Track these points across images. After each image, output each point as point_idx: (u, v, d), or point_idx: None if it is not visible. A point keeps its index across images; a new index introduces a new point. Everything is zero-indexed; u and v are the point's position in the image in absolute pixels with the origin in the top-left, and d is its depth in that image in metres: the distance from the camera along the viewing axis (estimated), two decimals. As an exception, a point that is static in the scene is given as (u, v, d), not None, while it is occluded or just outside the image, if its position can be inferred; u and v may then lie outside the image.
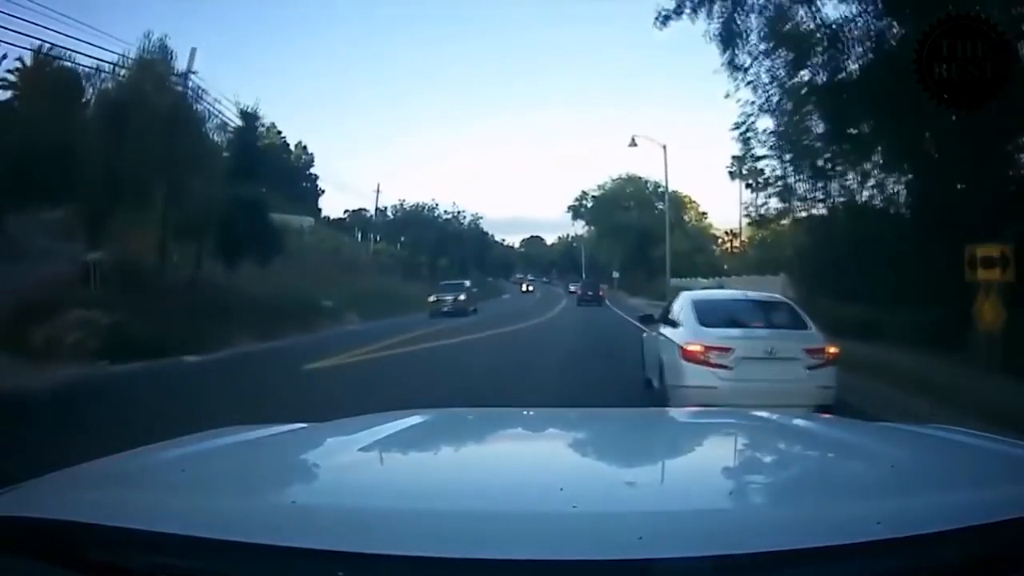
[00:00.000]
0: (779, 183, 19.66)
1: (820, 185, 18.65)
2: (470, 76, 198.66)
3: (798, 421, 2.32)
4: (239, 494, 1.47)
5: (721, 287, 26.23)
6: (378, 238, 68.96)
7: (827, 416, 3.16)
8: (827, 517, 1.23)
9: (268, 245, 23.80)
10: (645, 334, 11.01)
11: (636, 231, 65.01)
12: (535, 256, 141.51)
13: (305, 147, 74.87)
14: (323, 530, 1.15)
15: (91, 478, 1.59)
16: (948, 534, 1.13)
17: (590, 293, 50.31)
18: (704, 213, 75.52)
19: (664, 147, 35.05)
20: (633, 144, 34.40)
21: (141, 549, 1.17)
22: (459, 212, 71.19)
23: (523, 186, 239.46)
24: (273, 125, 69.06)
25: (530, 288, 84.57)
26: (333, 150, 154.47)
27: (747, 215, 22.99)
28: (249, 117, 24.46)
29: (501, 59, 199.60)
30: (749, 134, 19.34)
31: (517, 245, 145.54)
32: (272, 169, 65.21)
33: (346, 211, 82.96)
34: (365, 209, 71.31)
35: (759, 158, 19.46)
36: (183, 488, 1.48)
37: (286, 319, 23.23)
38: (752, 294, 9.81)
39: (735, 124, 19.44)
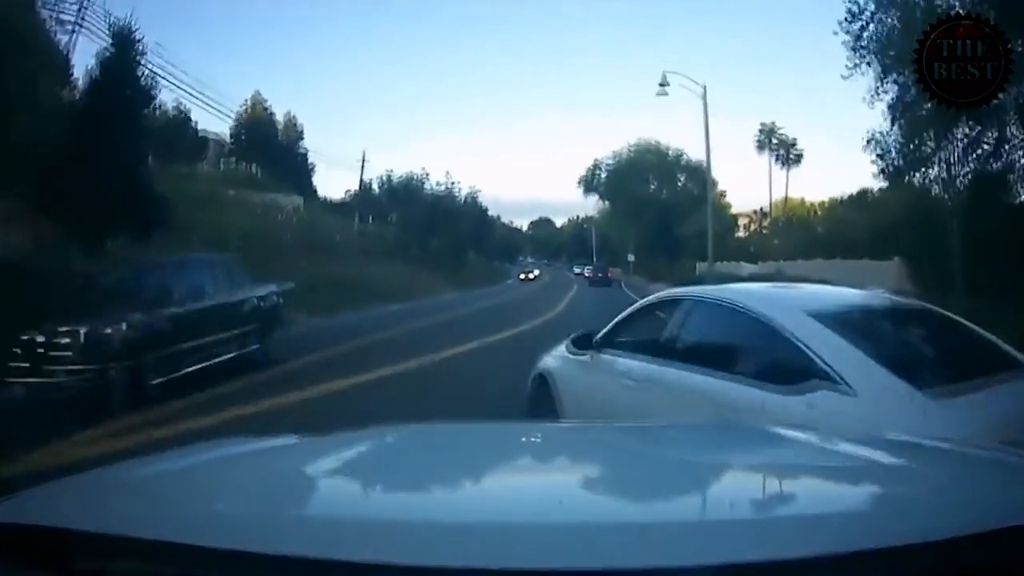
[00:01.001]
0: (915, 111, 12.39)
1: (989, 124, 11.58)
2: (477, 55, 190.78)
3: (796, 432, 2.22)
4: (232, 503, 1.48)
5: (780, 273, 19.58)
6: (372, 218, 62.21)
7: (825, 429, 2.33)
8: (826, 527, 1.22)
9: (147, 214, 16.57)
10: (553, 364, 5.84)
11: (656, 208, 59.38)
12: (543, 239, 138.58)
13: (294, 120, 68.38)
14: (317, 539, 1.14)
15: (84, 488, 1.60)
16: (946, 543, 1.14)
17: (599, 275, 59.36)
18: (723, 192, 68.94)
19: (704, 88, 27.95)
20: (664, 85, 27.14)
21: (130, 556, 1.16)
22: (452, 183, 62.07)
23: (533, 167, 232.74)
24: (258, 93, 64.57)
25: (530, 275, 75.26)
26: (339, 133, 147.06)
27: (880, 155, 14.69)
28: (123, 39, 16.97)
29: (508, 34, 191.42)
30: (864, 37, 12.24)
31: (526, 228, 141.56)
32: (261, 145, 61.90)
33: (347, 191, 76.11)
34: (371, 189, 64.65)
35: (890, 70, 12.19)
36: (175, 497, 1.48)
37: None
38: (875, 297, 5.27)
39: (849, 15, 12.43)
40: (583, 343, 5.39)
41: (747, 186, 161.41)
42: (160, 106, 52.92)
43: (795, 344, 3.63)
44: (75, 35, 20.28)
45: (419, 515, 1.32)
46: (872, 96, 13.40)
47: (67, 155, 14.88)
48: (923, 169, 14.43)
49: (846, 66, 14.01)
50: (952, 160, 13.60)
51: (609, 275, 59.78)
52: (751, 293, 4.64)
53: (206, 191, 44.47)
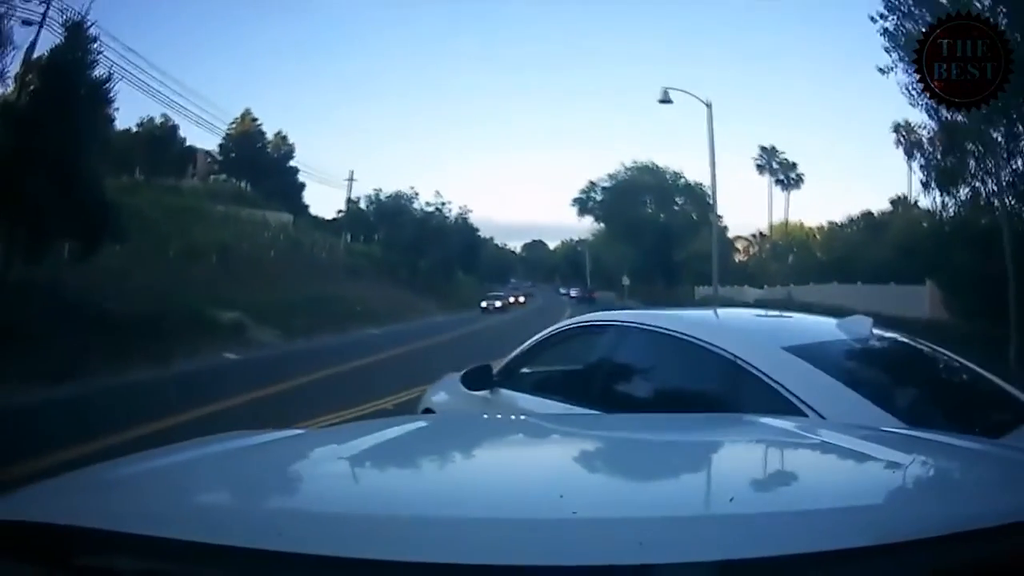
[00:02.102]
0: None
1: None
2: (473, 77, 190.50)
3: (799, 426, 2.21)
4: (235, 498, 1.48)
5: (791, 299, 18.06)
6: (362, 237, 60.91)
7: (827, 421, 2.47)
8: (828, 522, 1.20)
9: (93, 222, 14.87)
10: (442, 400, 5.17)
11: (653, 230, 58.08)
12: (536, 261, 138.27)
13: (285, 137, 67.37)
14: (318, 535, 1.14)
15: (84, 483, 1.57)
16: (948, 539, 1.14)
17: (584, 295, 69.79)
18: (719, 216, 68.02)
19: (708, 104, 26.38)
20: (666, 100, 25.76)
21: (132, 553, 1.17)
22: (443, 204, 61.01)
23: (527, 189, 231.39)
24: (249, 111, 63.62)
25: (496, 304, 56.32)
26: (332, 152, 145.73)
27: (924, 164, 13.25)
28: (76, 31, 15.38)
29: (502, 55, 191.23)
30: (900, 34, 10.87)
31: (519, 250, 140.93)
32: (251, 161, 60.98)
33: (339, 211, 74.73)
34: (359, 208, 63.31)
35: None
36: (178, 492, 1.47)
37: (142, 341, 15.40)
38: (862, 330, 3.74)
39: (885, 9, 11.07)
40: (478, 380, 4.56)
41: (743, 209, 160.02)
42: (147, 119, 53.20)
43: (772, 387, 2.95)
44: (39, 33, 18.76)
45: (413, 510, 1.29)
46: (911, 91, 12.20)
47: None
48: (968, 179, 12.93)
49: (880, 68, 12.97)
50: (1003, 168, 12.04)
51: (593, 296, 67.38)
52: (701, 321, 3.86)
53: (191, 205, 43.68)
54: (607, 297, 61.84)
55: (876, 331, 3.78)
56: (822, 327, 3.95)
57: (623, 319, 4.04)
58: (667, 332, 3.57)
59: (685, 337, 3.43)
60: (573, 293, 77.38)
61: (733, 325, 4.00)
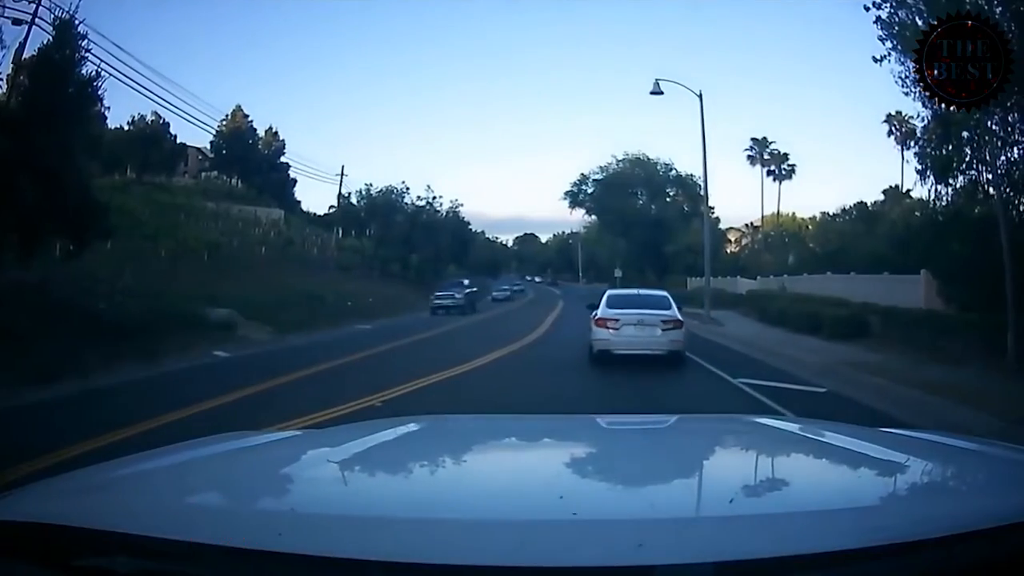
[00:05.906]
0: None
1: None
2: (460, 67, 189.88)
3: (798, 427, 2.32)
4: (232, 499, 1.48)
5: (784, 289, 18.89)
6: (353, 232, 60.76)
7: (827, 422, 2.58)
8: (827, 523, 1.21)
9: (84, 222, 14.67)
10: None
11: (645, 222, 57.24)
12: (529, 255, 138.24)
13: (276, 133, 66.97)
14: (318, 536, 1.15)
15: (83, 484, 1.57)
16: (948, 539, 1.14)
17: (548, 281, 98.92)
18: (711, 207, 67.81)
19: (700, 95, 26.29)
20: (657, 92, 25.69)
21: (129, 553, 1.16)
22: (434, 198, 60.51)
23: (519, 183, 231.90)
24: (239, 107, 63.31)
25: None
26: (323, 147, 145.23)
27: (920, 153, 13.26)
28: (66, 30, 15.15)
29: (492, 48, 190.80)
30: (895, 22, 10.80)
31: (511, 244, 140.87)
32: (241, 157, 60.67)
33: (331, 206, 74.36)
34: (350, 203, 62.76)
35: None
36: (175, 493, 1.47)
37: (133, 340, 15.26)
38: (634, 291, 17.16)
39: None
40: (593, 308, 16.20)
41: (735, 200, 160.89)
42: (138, 116, 52.90)
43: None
44: (29, 33, 18.47)
45: (411, 511, 1.28)
46: (905, 80, 12.17)
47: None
48: (963, 168, 12.86)
49: (873, 57, 12.91)
50: (998, 157, 11.96)
51: (556, 282, 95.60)
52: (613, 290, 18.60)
53: (181, 202, 43.57)
54: (594, 287, 61.53)
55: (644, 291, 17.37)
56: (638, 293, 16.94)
57: (610, 292, 16.90)
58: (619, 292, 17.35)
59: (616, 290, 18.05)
60: (537, 280, 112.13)
61: (625, 290, 18.79)
